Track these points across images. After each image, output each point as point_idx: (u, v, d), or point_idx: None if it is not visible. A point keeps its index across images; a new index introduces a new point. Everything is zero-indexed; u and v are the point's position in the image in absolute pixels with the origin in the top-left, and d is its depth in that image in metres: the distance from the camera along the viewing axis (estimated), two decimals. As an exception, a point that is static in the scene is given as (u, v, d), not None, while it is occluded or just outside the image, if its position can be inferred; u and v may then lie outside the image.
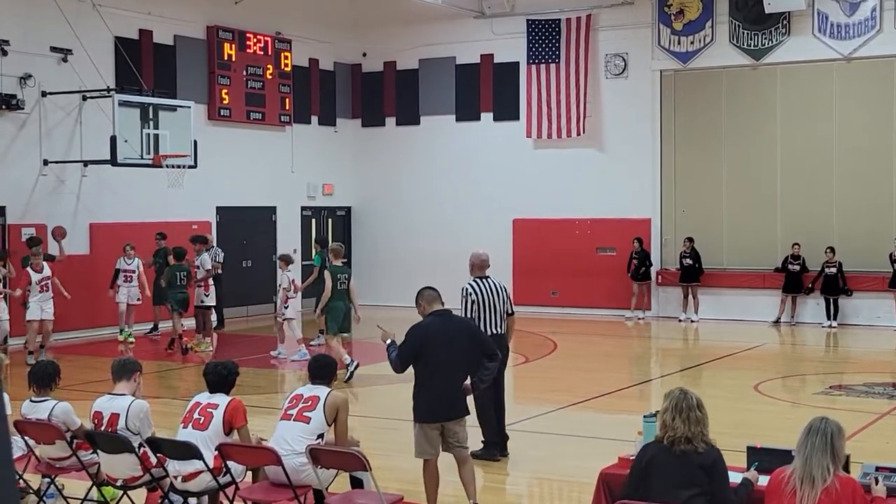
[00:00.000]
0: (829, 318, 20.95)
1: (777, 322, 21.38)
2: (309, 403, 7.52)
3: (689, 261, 22.12)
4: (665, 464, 5.97)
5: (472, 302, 9.87)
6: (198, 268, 17.86)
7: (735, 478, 6.24)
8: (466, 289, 9.97)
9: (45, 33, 19.05)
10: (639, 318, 22.46)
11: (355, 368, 14.67)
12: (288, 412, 7.55)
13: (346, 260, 16.79)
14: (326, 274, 15.02)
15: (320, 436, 7.46)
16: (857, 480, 5.78)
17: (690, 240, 22.11)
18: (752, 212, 22.24)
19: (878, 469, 6.06)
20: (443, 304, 8.18)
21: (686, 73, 22.73)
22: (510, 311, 10.26)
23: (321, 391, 7.60)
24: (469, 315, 9.74)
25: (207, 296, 17.75)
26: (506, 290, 10.26)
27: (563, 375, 15.97)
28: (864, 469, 6.09)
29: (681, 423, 5.98)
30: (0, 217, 18.63)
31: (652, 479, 5.99)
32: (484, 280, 10.06)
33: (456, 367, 8.02)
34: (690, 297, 22.15)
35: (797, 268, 21.28)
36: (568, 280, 23.62)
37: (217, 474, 7.35)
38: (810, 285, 21.12)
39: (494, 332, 9.88)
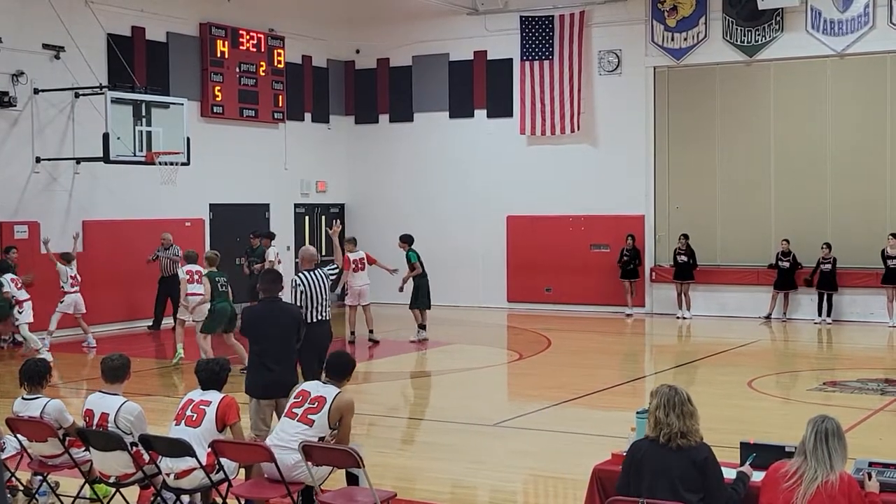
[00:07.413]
0: (821, 315, 20.96)
1: (768, 318, 21.40)
2: (315, 405, 7.39)
3: (684, 258, 22.07)
4: (659, 461, 5.95)
5: (301, 292, 10.78)
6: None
7: (728, 473, 6.24)
8: (295, 280, 10.91)
9: (38, 30, 18.99)
10: (631, 315, 22.44)
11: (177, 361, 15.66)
12: (293, 410, 7.46)
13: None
14: (205, 280, 15.34)
15: (320, 439, 7.37)
16: (852, 476, 5.79)
17: (686, 237, 22.07)
18: (746, 208, 22.23)
19: (871, 465, 6.06)
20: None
21: (680, 69, 22.73)
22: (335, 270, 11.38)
23: (329, 392, 7.46)
24: (298, 303, 10.62)
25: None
26: (328, 277, 11.03)
27: (557, 372, 15.95)
28: (856, 465, 6.09)
29: (675, 418, 5.97)
30: (-8, 215, 18.62)
31: (644, 476, 5.97)
32: (312, 272, 10.92)
33: (282, 348, 8.75)
34: (683, 294, 22.12)
35: (787, 264, 21.28)
36: (562, 277, 23.61)
37: (210, 471, 7.33)
38: (809, 277, 21.05)
39: (320, 318, 10.81)
